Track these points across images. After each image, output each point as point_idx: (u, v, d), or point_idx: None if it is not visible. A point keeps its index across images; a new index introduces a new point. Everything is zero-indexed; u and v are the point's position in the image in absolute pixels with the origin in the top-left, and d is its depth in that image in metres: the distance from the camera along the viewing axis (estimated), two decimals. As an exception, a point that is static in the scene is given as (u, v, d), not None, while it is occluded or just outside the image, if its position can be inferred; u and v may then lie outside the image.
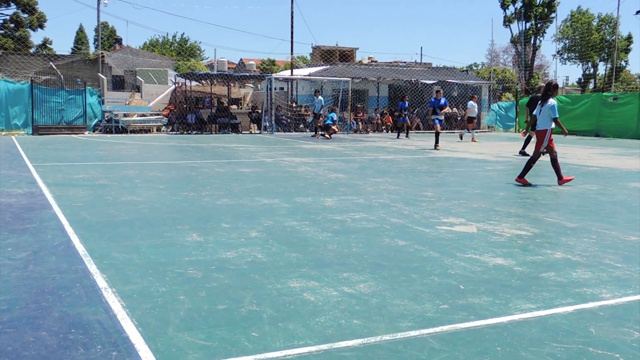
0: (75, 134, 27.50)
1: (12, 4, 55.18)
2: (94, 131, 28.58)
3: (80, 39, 59.69)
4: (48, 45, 60.50)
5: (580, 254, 6.04)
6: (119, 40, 59.99)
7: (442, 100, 21.23)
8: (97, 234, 6.59)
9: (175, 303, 4.37)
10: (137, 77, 39.64)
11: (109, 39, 61.37)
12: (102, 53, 38.62)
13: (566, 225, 7.71)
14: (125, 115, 29.66)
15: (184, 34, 78.43)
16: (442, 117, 21.31)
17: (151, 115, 30.83)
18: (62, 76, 30.29)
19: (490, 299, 4.57)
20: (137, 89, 37.26)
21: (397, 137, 28.55)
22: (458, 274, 5.26)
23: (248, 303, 4.40)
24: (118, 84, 44.05)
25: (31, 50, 54.29)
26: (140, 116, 30.35)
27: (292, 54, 38.41)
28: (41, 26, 58.84)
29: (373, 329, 3.88)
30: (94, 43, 59.47)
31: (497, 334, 3.84)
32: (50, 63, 34.55)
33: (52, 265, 5.32)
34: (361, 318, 4.10)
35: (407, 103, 28.76)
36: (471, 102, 27.24)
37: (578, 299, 4.62)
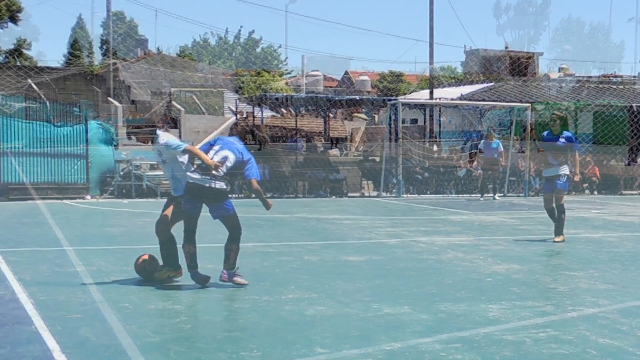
0: (71, 198, 14.82)
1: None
2: (101, 194, 15.61)
3: (77, 42, 36.07)
4: (24, 50, 31.94)
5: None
6: (142, 43, 37.82)
7: None
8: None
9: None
10: (173, 102, 23.36)
11: (126, 40, 38.37)
12: (114, 63, 24.00)
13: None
14: (152, 167, 16.84)
15: (253, 32, 47.40)
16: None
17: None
18: (47, 102, 17.34)
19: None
20: (173, 121, 21.64)
21: None
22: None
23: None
24: (141, 113, 24.26)
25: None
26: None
27: (431, 64, 22.79)
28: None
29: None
30: (100, 47, 35.82)
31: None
32: (29, 80, 20.19)
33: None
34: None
35: None
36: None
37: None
